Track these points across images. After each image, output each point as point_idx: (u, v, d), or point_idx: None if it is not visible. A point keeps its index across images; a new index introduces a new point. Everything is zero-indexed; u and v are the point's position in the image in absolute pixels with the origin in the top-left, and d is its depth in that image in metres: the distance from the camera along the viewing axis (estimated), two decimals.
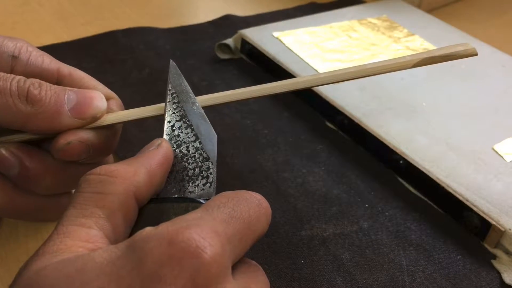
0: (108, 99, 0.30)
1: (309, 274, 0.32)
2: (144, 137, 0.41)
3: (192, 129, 0.26)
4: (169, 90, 0.28)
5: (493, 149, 0.39)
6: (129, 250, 0.19)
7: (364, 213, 0.36)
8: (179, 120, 0.27)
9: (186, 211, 0.23)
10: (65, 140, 0.26)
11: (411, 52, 0.51)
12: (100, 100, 0.28)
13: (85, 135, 0.27)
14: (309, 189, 0.38)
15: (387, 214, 0.36)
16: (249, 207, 0.22)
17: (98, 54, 0.52)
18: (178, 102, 0.27)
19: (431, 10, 0.67)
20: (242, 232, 0.21)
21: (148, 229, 0.19)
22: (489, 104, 0.45)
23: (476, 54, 0.28)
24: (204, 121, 0.27)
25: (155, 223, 0.22)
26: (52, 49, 0.52)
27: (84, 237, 0.20)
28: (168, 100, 0.27)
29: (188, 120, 0.27)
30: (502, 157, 0.39)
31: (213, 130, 0.27)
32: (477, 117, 0.43)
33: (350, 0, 0.67)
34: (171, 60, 0.29)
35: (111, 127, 0.29)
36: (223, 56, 0.53)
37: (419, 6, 0.64)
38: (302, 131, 0.44)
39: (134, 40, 0.55)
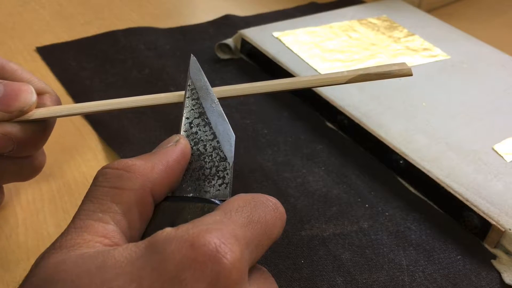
0: (42, 93, 0.29)
1: (309, 274, 0.32)
2: (144, 137, 0.41)
3: (210, 128, 0.26)
4: (189, 85, 0.27)
5: (493, 149, 0.39)
6: (150, 250, 0.18)
7: (364, 213, 0.36)
8: (198, 117, 0.26)
9: (201, 211, 0.22)
10: None
11: (411, 52, 0.51)
12: (29, 93, 0.27)
13: (9, 128, 0.27)
14: (309, 189, 0.38)
15: (387, 214, 0.36)
16: (266, 212, 0.22)
17: (98, 54, 0.52)
18: (198, 99, 0.27)
19: (431, 10, 0.67)
20: (259, 237, 0.21)
21: (168, 230, 0.19)
22: (489, 104, 0.45)
23: (411, 75, 0.28)
24: (222, 120, 0.26)
25: (170, 221, 0.22)
26: (52, 49, 0.52)
27: (101, 232, 0.20)
28: (187, 96, 0.27)
29: (207, 118, 0.26)
30: (502, 157, 0.39)
31: (231, 130, 0.26)
32: (477, 117, 0.43)
33: (350, 0, 0.67)
34: (191, 55, 0.28)
35: (41, 122, 0.28)
36: (223, 56, 0.53)
37: (419, 6, 0.64)
38: (302, 131, 0.44)
39: (134, 40, 0.55)
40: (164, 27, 0.58)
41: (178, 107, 0.45)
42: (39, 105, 0.28)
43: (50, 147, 0.40)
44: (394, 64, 0.28)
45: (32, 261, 0.31)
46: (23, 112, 0.27)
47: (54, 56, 0.51)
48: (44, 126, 0.29)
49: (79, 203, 0.36)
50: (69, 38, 0.55)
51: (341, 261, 0.32)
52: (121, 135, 0.41)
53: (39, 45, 0.53)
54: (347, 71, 0.28)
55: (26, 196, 0.36)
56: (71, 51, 0.52)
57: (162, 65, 0.51)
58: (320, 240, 0.34)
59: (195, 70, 0.27)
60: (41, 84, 0.30)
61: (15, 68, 0.30)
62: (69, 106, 0.29)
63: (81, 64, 0.50)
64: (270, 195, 0.23)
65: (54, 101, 0.30)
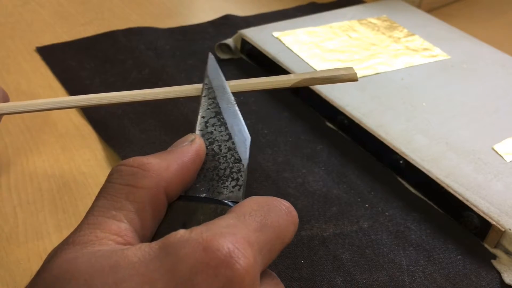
0: None
1: (309, 274, 0.32)
2: (144, 138, 0.41)
3: (226, 128, 0.26)
4: (206, 84, 0.27)
5: (493, 149, 0.39)
6: (163, 252, 0.18)
7: (364, 213, 0.36)
8: (214, 117, 0.26)
9: (214, 213, 0.22)
10: None
11: (411, 52, 0.51)
12: None
13: None
14: (309, 189, 0.38)
15: (387, 214, 0.36)
16: (279, 216, 0.21)
17: (98, 54, 0.52)
18: (214, 98, 0.26)
19: (431, 10, 0.67)
20: (272, 241, 0.20)
21: (182, 232, 0.19)
22: (489, 104, 0.45)
23: (356, 80, 0.28)
24: (238, 120, 0.26)
25: (183, 221, 0.21)
26: (52, 49, 0.52)
27: (114, 230, 0.20)
28: (203, 95, 0.26)
29: (223, 118, 0.26)
30: (502, 157, 0.39)
31: (247, 131, 0.26)
32: (477, 117, 0.43)
33: (350, 0, 0.67)
34: (209, 53, 0.27)
35: None
36: (223, 56, 0.53)
37: (419, 6, 0.64)
38: (302, 131, 0.44)
39: (134, 40, 0.55)
40: (164, 27, 0.58)
41: (177, 107, 0.45)
42: None
43: (50, 147, 0.41)
44: (340, 69, 0.28)
45: (32, 261, 0.32)
46: None
47: (54, 56, 0.51)
48: None
49: (79, 203, 0.37)
50: (69, 38, 0.55)
51: (341, 261, 0.32)
52: (121, 135, 0.41)
53: (39, 45, 0.53)
54: (294, 74, 0.28)
55: (26, 196, 0.36)
56: (71, 51, 0.52)
57: (162, 65, 0.51)
58: (320, 240, 0.34)
59: (213, 68, 0.27)
60: None
61: None
62: (14, 103, 0.28)
63: (81, 64, 0.50)
64: (270, 195, 0.23)
65: (0, 98, 0.29)
